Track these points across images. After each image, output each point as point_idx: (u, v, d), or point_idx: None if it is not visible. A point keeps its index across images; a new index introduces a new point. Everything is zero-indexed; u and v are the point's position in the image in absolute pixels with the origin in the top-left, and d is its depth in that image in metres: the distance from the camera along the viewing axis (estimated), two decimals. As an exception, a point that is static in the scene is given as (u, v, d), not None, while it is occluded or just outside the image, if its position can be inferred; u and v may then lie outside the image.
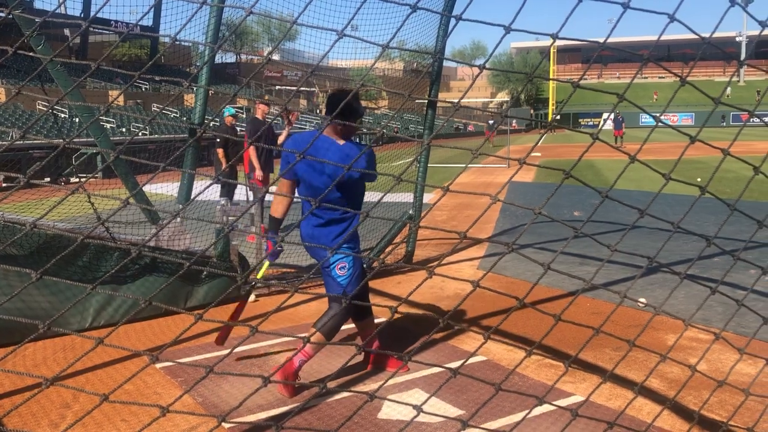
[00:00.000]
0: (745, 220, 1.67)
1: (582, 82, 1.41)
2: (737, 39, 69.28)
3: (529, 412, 1.68)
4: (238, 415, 3.65)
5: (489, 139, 32.83)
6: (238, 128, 12.35)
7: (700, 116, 56.40)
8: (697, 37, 1.60)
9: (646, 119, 53.53)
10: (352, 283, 4.02)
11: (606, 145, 1.49)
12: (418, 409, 1.30)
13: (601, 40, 1.44)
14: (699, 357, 4.50)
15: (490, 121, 36.05)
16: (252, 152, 9.16)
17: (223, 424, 3.58)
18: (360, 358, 4.48)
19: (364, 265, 4.32)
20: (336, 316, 4.01)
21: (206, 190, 1.36)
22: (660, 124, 1.41)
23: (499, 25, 1.11)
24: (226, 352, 1.46)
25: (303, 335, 1.36)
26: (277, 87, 46.67)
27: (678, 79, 1.45)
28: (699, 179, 13.76)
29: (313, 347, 4.00)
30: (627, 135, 32.57)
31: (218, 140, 10.59)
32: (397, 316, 5.46)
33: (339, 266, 4.05)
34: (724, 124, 51.25)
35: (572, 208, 11.69)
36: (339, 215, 3.99)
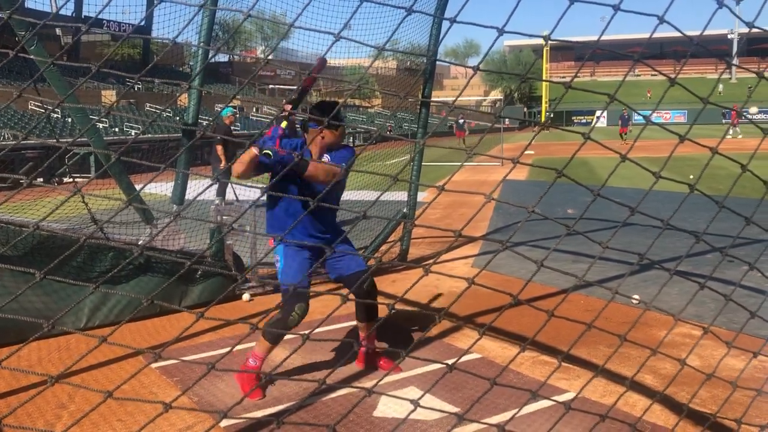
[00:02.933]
0: (737, 217, 1.69)
1: (574, 80, 1.43)
2: (729, 36, 69.48)
3: (520, 409, 1.70)
4: (234, 413, 3.66)
5: (460, 139, 32.45)
6: (233, 128, 12.52)
7: (692, 113, 56.54)
8: (694, 35, 1.62)
9: (639, 117, 53.61)
10: (287, 276, 3.97)
11: (600, 143, 1.52)
12: (416, 403, 1.32)
13: (594, 39, 1.47)
14: (694, 353, 4.54)
15: (460, 120, 35.08)
16: None
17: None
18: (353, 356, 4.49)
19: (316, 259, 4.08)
20: (276, 315, 3.97)
21: (202, 189, 1.37)
22: (650, 122, 1.43)
23: (492, 27, 1.13)
24: (226, 350, 1.47)
25: (302, 332, 1.38)
26: (270, 86, 46.57)
27: (674, 77, 1.47)
28: (691, 176, 13.81)
29: (260, 349, 3.99)
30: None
31: (218, 137, 10.79)
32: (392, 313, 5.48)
33: (275, 259, 4.06)
34: (725, 121, 51.48)
35: (566, 205, 11.74)
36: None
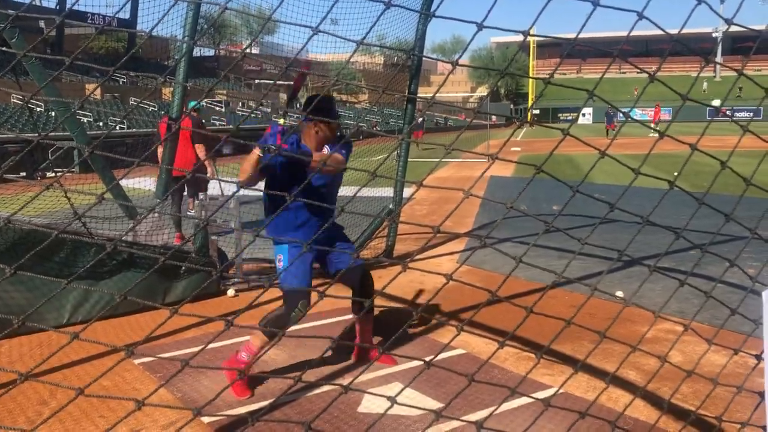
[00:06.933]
0: (722, 214, 1.70)
1: (560, 77, 1.44)
2: (713, 35, 69.95)
3: (498, 407, 1.70)
4: (217, 410, 3.64)
5: (417, 139, 32.42)
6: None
7: (677, 111, 57.02)
8: (674, 32, 1.62)
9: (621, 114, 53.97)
10: (293, 276, 3.95)
11: (588, 139, 1.52)
12: (392, 400, 1.31)
13: (584, 36, 1.46)
14: (677, 349, 4.57)
15: (420, 119, 35.01)
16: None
17: (203, 419, 3.57)
18: (342, 350, 4.49)
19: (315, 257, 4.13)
20: (277, 311, 3.96)
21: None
22: (630, 119, 1.43)
23: (471, 22, 1.12)
24: (201, 347, 1.46)
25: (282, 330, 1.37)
26: (257, 81, 46.33)
27: (653, 74, 1.48)
28: (676, 173, 13.91)
29: (256, 343, 3.95)
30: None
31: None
32: (376, 310, 5.48)
33: (277, 258, 4.04)
34: (713, 118, 51.80)
35: (552, 202, 11.78)
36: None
